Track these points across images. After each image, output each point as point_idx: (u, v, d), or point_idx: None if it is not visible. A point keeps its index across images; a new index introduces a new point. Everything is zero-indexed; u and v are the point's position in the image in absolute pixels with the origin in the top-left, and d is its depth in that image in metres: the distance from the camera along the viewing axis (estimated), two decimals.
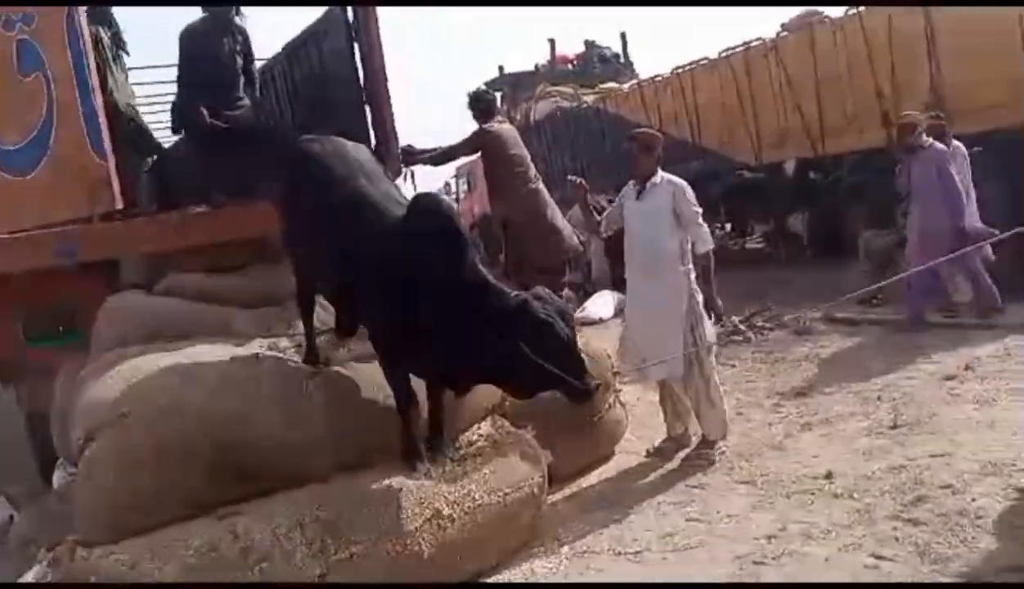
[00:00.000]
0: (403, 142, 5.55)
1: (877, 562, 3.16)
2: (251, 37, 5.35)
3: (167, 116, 5.83)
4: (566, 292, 5.89)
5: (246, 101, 5.32)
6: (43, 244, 4.76)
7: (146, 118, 6.46)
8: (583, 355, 3.49)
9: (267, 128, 5.68)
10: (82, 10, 4.79)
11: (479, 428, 4.11)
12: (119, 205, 4.89)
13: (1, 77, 4.88)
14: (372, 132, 5.44)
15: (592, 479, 4.58)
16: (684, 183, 4.57)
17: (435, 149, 5.76)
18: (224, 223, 5.13)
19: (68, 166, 4.77)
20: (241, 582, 3.06)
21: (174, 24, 5.24)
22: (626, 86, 14.41)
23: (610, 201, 5.55)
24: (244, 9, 5.29)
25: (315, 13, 5.75)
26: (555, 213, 5.89)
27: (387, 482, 3.43)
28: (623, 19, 61.04)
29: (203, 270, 4.99)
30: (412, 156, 5.68)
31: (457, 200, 15.21)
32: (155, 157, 6.18)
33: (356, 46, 5.44)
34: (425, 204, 3.67)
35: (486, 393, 4.02)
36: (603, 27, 54.88)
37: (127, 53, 5.74)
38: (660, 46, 54.07)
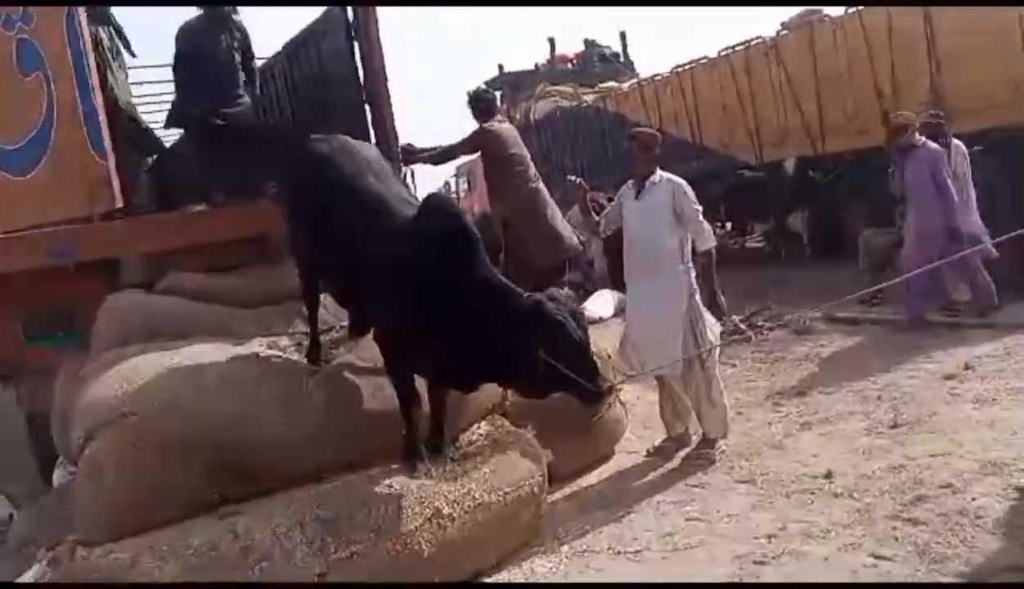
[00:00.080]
0: (403, 141, 5.55)
1: (877, 562, 3.15)
2: (250, 35, 5.35)
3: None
4: (566, 291, 5.88)
5: (246, 99, 5.31)
6: (36, 244, 4.76)
7: (146, 118, 6.46)
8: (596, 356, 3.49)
9: (267, 127, 5.68)
10: (82, 10, 4.79)
11: (479, 427, 4.11)
12: (119, 204, 4.89)
13: (1, 76, 4.88)
14: (372, 131, 5.45)
15: (592, 478, 4.57)
16: (683, 181, 4.57)
17: (435, 148, 5.77)
18: (224, 222, 5.13)
19: (68, 165, 4.77)
20: (241, 581, 3.06)
21: (175, 24, 5.24)
22: (626, 85, 14.40)
23: (609, 199, 5.56)
24: (244, 9, 5.29)
25: (315, 13, 5.76)
26: (555, 212, 5.89)
27: (387, 481, 3.44)
28: (623, 18, 60.97)
29: (203, 269, 4.98)
30: (412, 155, 5.68)
31: (457, 199, 15.21)
32: (154, 156, 6.18)
33: (356, 45, 5.44)
34: (436, 205, 3.67)
35: (487, 393, 4.03)
36: (603, 26, 54.98)
37: (132, 52, 5.72)
38: (660, 45, 54.01)
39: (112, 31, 5.53)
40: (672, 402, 4.72)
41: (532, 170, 5.81)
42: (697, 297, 4.48)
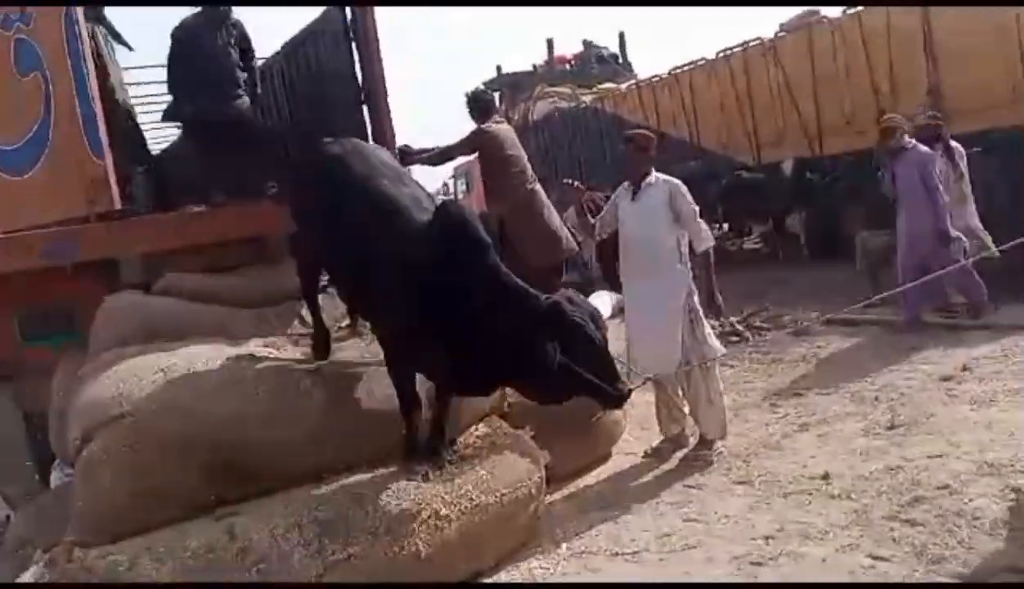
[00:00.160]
0: (401, 142, 5.55)
1: (874, 562, 3.16)
2: (248, 34, 5.33)
3: None
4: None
5: (244, 98, 5.29)
6: (29, 245, 4.75)
7: (145, 118, 6.46)
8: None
9: (264, 126, 5.67)
10: (80, 10, 4.78)
11: (477, 429, 4.11)
12: (117, 204, 4.88)
13: None
14: (370, 132, 5.44)
15: (590, 479, 4.58)
16: (679, 182, 4.57)
17: (433, 149, 5.75)
18: (223, 223, 5.13)
19: (66, 165, 4.75)
20: (239, 582, 3.06)
21: (174, 23, 5.22)
22: (624, 86, 14.41)
23: (606, 199, 5.56)
24: (243, 9, 5.28)
25: (313, 13, 5.76)
26: (552, 213, 5.88)
27: (386, 483, 3.43)
28: (621, 19, 61.15)
29: (201, 270, 4.97)
30: (409, 156, 5.66)
31: (455, 200, 15.19)
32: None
33: (354, 46, 5.44)
34: (451, 210, 3.63)
35: None
36: (601, 27, 55.06)
37: (128, 47, 5.69)
38: (658, 46, 54.21)
39: (106, 29, 5.51)
40: (668, 404, 4.72)
41: (530, 171, 5.81)
42: (696, 298, 4.48)
